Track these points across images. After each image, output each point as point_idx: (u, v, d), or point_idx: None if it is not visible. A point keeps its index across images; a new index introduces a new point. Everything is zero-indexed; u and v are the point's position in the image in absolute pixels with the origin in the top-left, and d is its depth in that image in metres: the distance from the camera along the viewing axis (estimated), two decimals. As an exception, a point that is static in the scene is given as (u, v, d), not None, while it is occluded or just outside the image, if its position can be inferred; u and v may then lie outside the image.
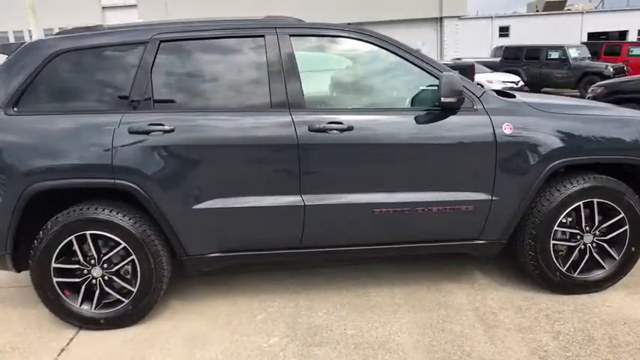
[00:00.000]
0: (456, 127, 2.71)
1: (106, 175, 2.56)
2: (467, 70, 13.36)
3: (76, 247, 2.64)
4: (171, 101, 2.67)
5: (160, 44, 2.66)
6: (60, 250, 2.63)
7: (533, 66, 15.92)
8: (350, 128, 2.63)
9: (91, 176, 2.58)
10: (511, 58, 16.62)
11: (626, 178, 2.90)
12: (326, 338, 2.61)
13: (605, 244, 2.91)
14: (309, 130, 2.61)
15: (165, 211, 2.62)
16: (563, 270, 2.89)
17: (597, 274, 2.93)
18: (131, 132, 2.56)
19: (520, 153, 2.72)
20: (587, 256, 2.91)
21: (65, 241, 2.62)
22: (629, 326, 2.60)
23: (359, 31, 2.77)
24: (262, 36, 2.70)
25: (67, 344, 2.65)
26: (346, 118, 2.65)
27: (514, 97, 3.01)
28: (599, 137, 2.78)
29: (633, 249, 2.91)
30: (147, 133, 2.57)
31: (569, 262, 2.90)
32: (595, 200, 2.81)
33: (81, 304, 2.72)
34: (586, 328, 2.60)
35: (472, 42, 26.40)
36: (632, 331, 2.56)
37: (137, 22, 2.84)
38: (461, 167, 2.74)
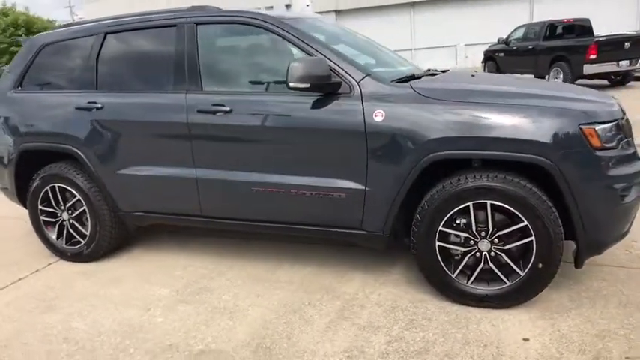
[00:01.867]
0: (329, 112, 2.64)
1: (62, 142, 3.30)
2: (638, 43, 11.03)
3: (50, 195, 3.46)
4: (108, 83, 3.23)
5: (105, 36, 3.24)
6: (42, 196, 3.49)
7: None
8: (230, 111, 2.82)
9: (53, 142, 3.34)
10: None
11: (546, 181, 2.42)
12: (200, 299, 2.92)
13: (504, 255, 2.50)
14: (197, 111, 2.89)
15: (99, 173, 3.25)
16: (453, 276, 2.60)
17: (496, 288, 2.55)
18: (76, 108, 3.23)
19: (392, 143, 2.53)
20: (481, 265, 2.55)
21: (44, 190, 3.46)
22: (484, 350, 2.26)
23: (258, 17, 2.85)
24: (175, 25, 3.04)
25: (44, 267, 3.53)
26: (229, 101, 2.84)
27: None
28: (492, 130, 2.38)
29: (540, 265, 2.43)
30: (87, 110, 3.21)
31: (460, 268, 2.59)
32: (488, 202, 2.44)
33: (57, 239, 3.56)
34: (434, 341, 2.35)
35: None
36: (480, 355, 2.22)
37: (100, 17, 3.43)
38: (332, 154, 2.68)
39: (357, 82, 2.62)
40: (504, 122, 2.36)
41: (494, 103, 2.43)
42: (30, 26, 33.44)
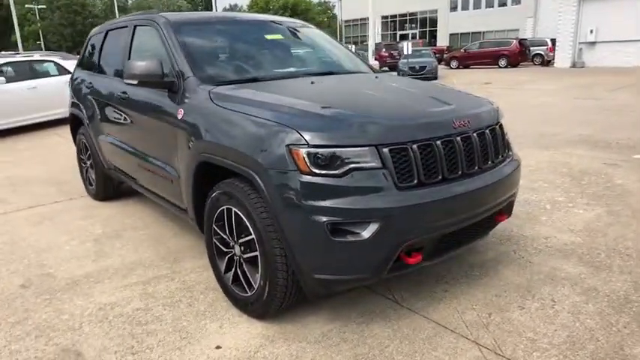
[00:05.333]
0: (165, 107, 3.01)
1: (80, 110, 4.52)
2: None
3: (81, 146, 4.78)
4: (102, 67, 4.25)
5: (107, 32, 4.25)
6: (78, 146, 4.86)
7: None
8: (128, 97, 3.47)
9: (77, 109, 4.59)
10: None
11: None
12: (105, 242, 3.73)
13: (244, 264, 2.51)
14: (116, 94, 3.65)
15: (92, 136, 4.35)
16: (222, 272, 2.72)
17: (243, 295, 2.57)
18: (85, 86, 4.38)
19: (185, 139, 2.76)
20: (233, 269, 2.60)
21: (79, 143, 4.81)
22: (177, 341, 2.41)
23: (155, 20, 3.34)
24: (126, 27, 3.81)
25: (78, 198, 4.91)
26: (129, 89, 3.47)
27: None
28: (226, 138, 2.43)
29: (262, 283, 2.37)
30: (88, 87, 4.33)
31: (225, 267, 2.69)
32: (233, 209, 2.48)
33: (86, 180, 4.90)
34: (160, 321, 2.59)
35: None
36: (167, 342, 2.40)
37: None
38: (165, 143, 3.04)
39: (183, 82, 2.90)
40: (236, 132, 2.37)
41: (240, 112, 2.42)
42: (295, 8, 38.90)
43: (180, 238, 3.72)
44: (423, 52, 22.27)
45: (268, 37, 3.48)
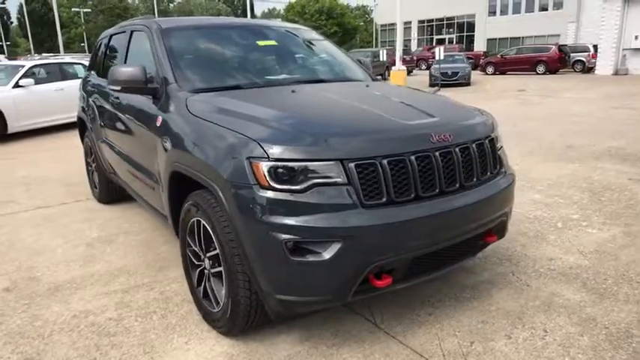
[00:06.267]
0: (146, 113, 2.97)
1: (84, 112, 4.57)
2: None
3: (88, 149, 4.84)
4: (103, 70, 4.26)
5: (110, 37, 4.28)
6: (85, 150, 4.91)
7: None
8: (120, 101, 3.46)
9: (82, 111, 4.64)
10: None
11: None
12: (96, 246, 3.73)
13: (212, 279, 2.42)
14: (110, 98, 3.65)
15: (94, 139, 4.38)
16: (195, 286, 2.65)
17: (212, 310, 2.48)
18: (90, 89, 4.42)
19: (162, 147, 2.70)
20: (203, 283, 2.52)
21: (85, 145, 4.86)
22: (141, 355, 2.36)
23: (147, 26, 3.32)
24: (124, 32, 3.81)
25: (84, 200, 4.96)
26: (119, 93, 3.44)
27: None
28: (195, 149, 2.34)
29: (226, 300, 2.28)
30: (91, 90, 4.36)
31: (197, 280, 2.61)
32: (202, 221, 2.40)
33: (90, 183, 4.95)
34: (128, 333, 2.53)
35: None
36: (130, 354, 2.34)
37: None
38: (147, 149, 2.99)
39: (165, 89, 2.85)
40: (203, 142, 2.30)
41: (209, 121, 2.34)
42: (331, 12, 38.60)
43: (171, 245, 3.68)
44: (457, 57, 21.73)
45: (261, 43, 3.39)
